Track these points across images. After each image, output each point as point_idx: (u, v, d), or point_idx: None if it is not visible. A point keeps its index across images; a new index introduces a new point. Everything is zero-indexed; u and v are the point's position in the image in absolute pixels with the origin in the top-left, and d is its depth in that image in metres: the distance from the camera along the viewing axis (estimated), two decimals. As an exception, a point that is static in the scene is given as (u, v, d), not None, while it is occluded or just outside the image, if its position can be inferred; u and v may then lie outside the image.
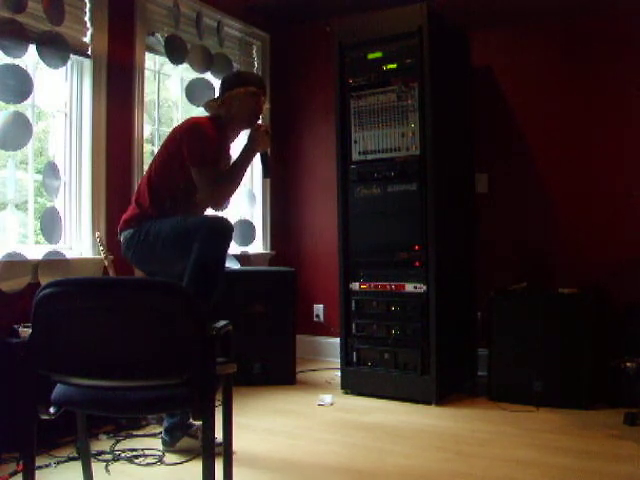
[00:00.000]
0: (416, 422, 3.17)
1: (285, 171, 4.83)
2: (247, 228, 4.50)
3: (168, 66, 4.00)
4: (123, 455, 2.67)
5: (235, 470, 2.08)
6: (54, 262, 3.08)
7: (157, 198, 2.70)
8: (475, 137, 4.06)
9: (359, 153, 3.64)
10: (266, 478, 2.49)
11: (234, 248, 4.34)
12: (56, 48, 3.09)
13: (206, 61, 4.09)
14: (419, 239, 3.45)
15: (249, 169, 4.51)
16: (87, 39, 3.34)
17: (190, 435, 2.71)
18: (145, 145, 3.77)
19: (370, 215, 3.60)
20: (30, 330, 1.72)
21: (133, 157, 3.60)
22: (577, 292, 3.48)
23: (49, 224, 3.12)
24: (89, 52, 3.36)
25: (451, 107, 3.72)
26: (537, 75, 3.99)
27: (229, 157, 2.95)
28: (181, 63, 3.91)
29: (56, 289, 1.68)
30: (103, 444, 2.78)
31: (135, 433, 2.95)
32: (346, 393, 3.69)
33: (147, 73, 3.80)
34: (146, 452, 2.71)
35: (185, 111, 4.12)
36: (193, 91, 4.00)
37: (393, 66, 3.53)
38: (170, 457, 2.67)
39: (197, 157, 2.65)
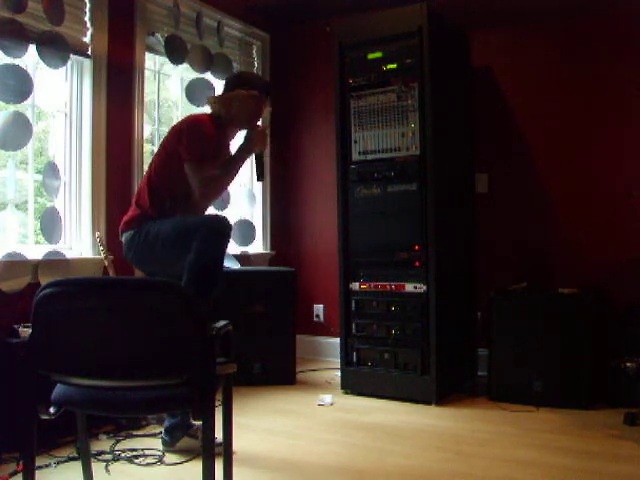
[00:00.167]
0: (416, 422, 3.17)
1: (285, 171, 4.83)
2: (247, 228, 4.50)
3: (168, 66, 4.00)
4: (123, 455, 2.67)
5: (235, 470, 2.08)
6: (54, 262, 3.08)
7: (157, 199, 2.70)
8: (475, 137, 4.06)
9: (359, 153, 3.64)
10: (266, 478, 2.49)
11: (234, 248, 4.34)
12: (56, 48, 3.09)
13: (206, 61, 4.09)
14: (419, 239, 3.45)
15: (249, 169, 4.53)
16: (87, 39, 3.35)
17: (190, 435, 2.71)
18: (145, 145, 3.77)
19: (370, 215, 3.60)
20: (30, 330, 1.72)
21: (133, 157, 3.60)
22: (577, 292, 3.48)
23: (49, 224, 3.12)
24: (89, 52, 3.36)
25: (451, 107, 3.72)
26: (537, 75, 3.99)
27: (228, 155, 2.94)
28: (181, 63, 3.91)
29: (56, 289, 1.68)
30: (103, 444, 2.78)
31: (135, 433, 2.95)
32: (346, 393, 3.69)
33: (147, 73, 3.80)
34: (146, 452, 2.71)
35: (185, 111, 4.11)
36: (193, 91, 4.00)
37: (393, 66, 3.54)
38: (170, 457, 2.67)
39: (193, 152, 2.65)
